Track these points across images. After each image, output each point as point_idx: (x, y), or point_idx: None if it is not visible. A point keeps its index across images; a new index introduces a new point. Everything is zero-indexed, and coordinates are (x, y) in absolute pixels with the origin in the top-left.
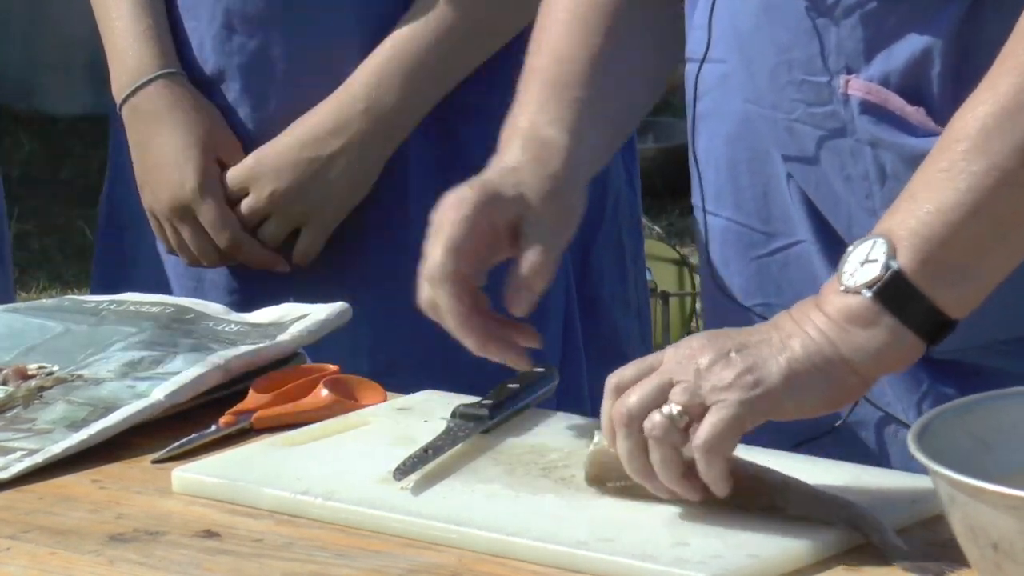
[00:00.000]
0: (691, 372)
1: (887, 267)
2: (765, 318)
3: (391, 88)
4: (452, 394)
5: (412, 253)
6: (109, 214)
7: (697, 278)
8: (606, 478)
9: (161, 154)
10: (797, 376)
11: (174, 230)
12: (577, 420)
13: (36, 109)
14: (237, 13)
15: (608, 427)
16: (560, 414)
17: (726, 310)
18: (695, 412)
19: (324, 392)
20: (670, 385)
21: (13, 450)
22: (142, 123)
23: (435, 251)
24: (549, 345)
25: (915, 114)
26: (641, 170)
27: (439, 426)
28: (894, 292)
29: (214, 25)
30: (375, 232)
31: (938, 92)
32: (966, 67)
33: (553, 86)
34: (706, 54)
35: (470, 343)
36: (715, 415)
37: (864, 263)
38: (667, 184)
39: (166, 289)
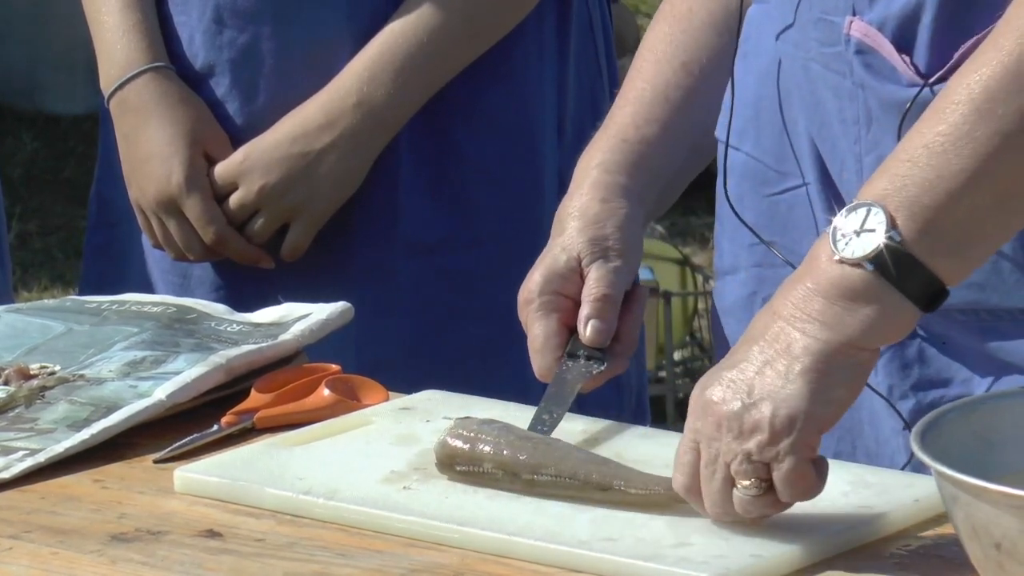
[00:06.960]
0: (735, 448)
1: (889, 238)
2: (778, 253)
3: (382, 83)
4: (454, 394)
5: (400, 250)
6: (98, 210)
7: (699, 278)
8: (454, 462)
9: (148, 148)
10: (818, 386)
11: (160, 224)
12: (579, 420)
13: (38, 109)
14: (227, 7)
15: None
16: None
17: (742, 243)
18: (761, 472)
19: (326, 392)
20: (724, 463)
21: (15, 450)
22: (129, 116)
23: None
24: None
25: (901, 63)
26: None
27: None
28: (896, 264)
29: (204, 19)
30: (364, 228)
31: (927, 42)
32: (956, 20)
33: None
34: None
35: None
36: (782, 469)
37: (860, 232)
38: None
39: (154, 285)
